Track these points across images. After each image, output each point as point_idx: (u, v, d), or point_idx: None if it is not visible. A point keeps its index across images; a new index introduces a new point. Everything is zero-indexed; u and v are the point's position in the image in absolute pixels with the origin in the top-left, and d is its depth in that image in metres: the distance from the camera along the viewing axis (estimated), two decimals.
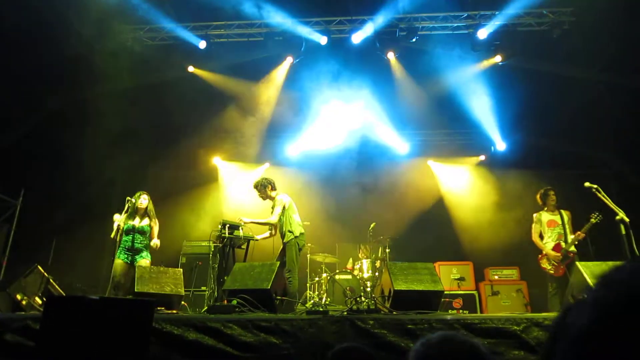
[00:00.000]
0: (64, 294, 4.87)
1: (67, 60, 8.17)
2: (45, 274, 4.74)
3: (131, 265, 6.07)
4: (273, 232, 6.81)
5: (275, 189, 6.87)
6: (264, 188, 6.79)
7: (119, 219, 6.14)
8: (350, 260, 9.21)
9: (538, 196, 6.79)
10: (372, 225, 8.29)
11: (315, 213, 9.05)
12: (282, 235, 6.56)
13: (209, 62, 9.53)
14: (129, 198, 6.22)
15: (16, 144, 8.35)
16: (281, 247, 6.63)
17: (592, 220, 6.08)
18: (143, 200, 6.40)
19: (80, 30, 7.92)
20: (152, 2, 8.57)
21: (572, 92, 8.75)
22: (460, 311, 8.03)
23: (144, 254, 6.24)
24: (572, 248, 6.28)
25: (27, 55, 7.71)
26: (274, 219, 6.57)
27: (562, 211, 6.58)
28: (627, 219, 5.08)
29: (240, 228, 6.34)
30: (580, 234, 6.17)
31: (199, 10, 8.71)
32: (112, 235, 6.03)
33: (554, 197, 6.63)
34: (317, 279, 8.16)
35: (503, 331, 3.80)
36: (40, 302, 4.54)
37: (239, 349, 3.66)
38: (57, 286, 4.72)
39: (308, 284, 8.24)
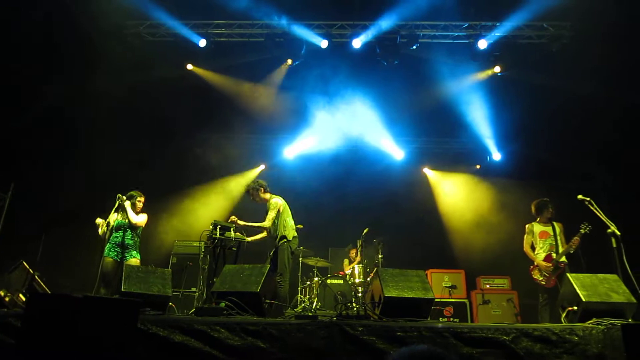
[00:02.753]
0: (49, 292, 4.81)
1: (63, 54, 8.12)
2: (31, 270, 4.68)
3: (121, 263, 6.03)
4: (265, 233, 6.78)
5: (267, 192, 6.82)
6: (256, 191, 6.75)
7: (101, 222, 6.12)
8: (346, 260, 9.22)
9: (533, 206, 6.79)
10: (365, 231, 8.27)
11: (309, 217, 8.99)
12: (275, 238, 6.52)
13: (208, 60, 9.50)
14: (119, 195, 6.18)
15: (8, 138, 8.26)
16: (273, 249, 6.59)
17: (582, 230, 6.13)
18: (140, 203, 6.40)
19: (76, 23, 7.86)
20: None
21: (569, 106, 8.78)
22: (451, 319, 8.01)
23: (134, 252, 6.21)
24: (563, 259, 6.28)
25: (19, 49, 7.64)
26: (267, 223, 6.53)
27: (555, 223, 6.60)
28: (618, 232, 5.10)
29: (231, 229, 6.29)
30: (573, 244, 6.18)
31: (200, 8, 8.69)
32: (100, 233, 5.98)
33: (551, 210, 6.65)
34: (308, 282, 8.12)
35: (492, 341, 3.77)
36: (24, 299, 4.47)
37: (226, 353, 3.61)
38: (42, 283, 4.66)
39: (299, 288, 8.21)
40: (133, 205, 6.31)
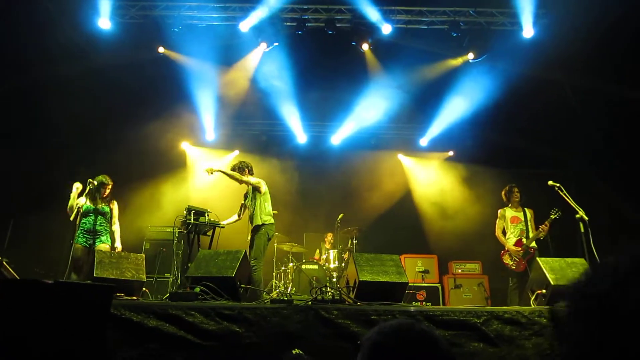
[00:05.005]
0: (19, 278, 4.69)
1: (29, 37, 7.83)
2: None
3: (90, 249, 5.91)
4: (240, 216, 6.76)
5: (252, 174, 6.82)
6: (241, 170, 6.70)
7: (77, 188, 5.94)
8: (317, 250, 9.25)
9: (503, 193, 6.95)
10: (340, 216, 8.32)
11: (284, 202, 9.03)
12: (252, 221, 6.48)
13: (180, 43, 9.28)
14: (90, 180, 6.03)
15: None
16: (249, 235, 6.56)
17: (552, 216, 6.29)
18: (108, 185, 6.25)
19: (44, 4, 7.59)
20: None
21: (541, 93, 8.93)
22: (424, 303, 8.15)
23: (104, 237, 6.10)
24: (533, 244, 6.45)
25: None
26: (253, 180, 6.53)
27: (526, 209, 6.75)
28: (586, 217, 5.25)
29: (206, 214, 6.23)
30: (543, 229, 6.34)
31: None
32: (71, 218, 5.84)
33: (517, 194, 6.80)
34: (283, 268, 8.14)
35: (464, 323, 3.87)
36: None
37: (201, 337, 3.61)
38: (11, 270, 4.53)
39: (274, 273, 8.22)
40: (98, 191, 6.16)
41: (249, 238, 6.48)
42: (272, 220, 6.59)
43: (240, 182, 6.60)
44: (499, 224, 6.84)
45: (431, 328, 1.24)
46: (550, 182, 5.82)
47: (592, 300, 0.72)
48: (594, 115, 8.53)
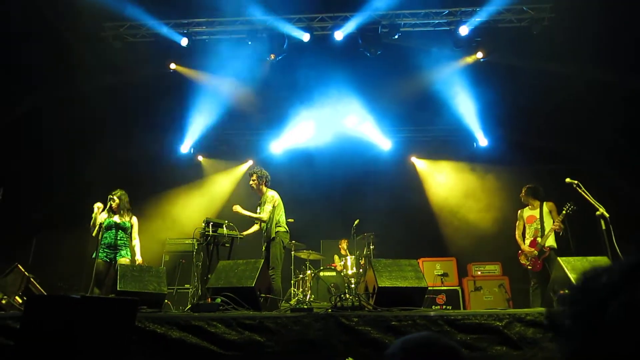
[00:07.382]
0: (45, 293, 4.78)
1: (48, 56, 8.02)
2: (26, 273, 4.65)
3: (111, 263, 6.03)
4: (258, 226, 6.81)
5: (267, 185, 6.87)
6: (260, 179, 6.78)
7: (99, 208, 6.03)
8: (336, 256, 9.26)
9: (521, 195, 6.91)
10: (356, 222, 8.32)
11: (299, 210, 9.03)
12: (268, 232, 6.54)
13: (191, 59, 9.43)
14: (110, 196, 6.15)
15: None
16: (265, 244, 6.61)
17: (564, 211, 6.18)
18: (118, 198, 6.34)
19: (60, 25, 7.77)
20: None
21: (553, 89, 8.85)
22: (444, 307, 8.10)
23: (124, 252, 6.18)
24: (550, 243, 6.31)
25: (3, 50, 7.53)
26: (264, 215, 6.56)
27: (545, 203, 6.58)
28: (607, 215, 5.15)
29: (224, 226, 6.30)
30: (555, 225, 6.26)
31: (181, 7, 8.63)
32: (93, 234, 5.95)
33: (521, 195, 6.77)
34: (301, 275, 8.16)
35: (486, 327, 3.84)
36: (20, 301, 4.46)
37: (223, 347, 3.64)
38: (38, 285, 4.62)
39: (292, 281, 8.24)
40: (118, 206, 6.29)
41: (264, 249, 6.55)
42: (286, 229, 6.64)
43: (259, 219, 6.66)
44: (518, 225, 6.76)
45: (455, 344, 1.24)
46: (567, 180, 5.72)
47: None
48: (609, 109, 8.42)
